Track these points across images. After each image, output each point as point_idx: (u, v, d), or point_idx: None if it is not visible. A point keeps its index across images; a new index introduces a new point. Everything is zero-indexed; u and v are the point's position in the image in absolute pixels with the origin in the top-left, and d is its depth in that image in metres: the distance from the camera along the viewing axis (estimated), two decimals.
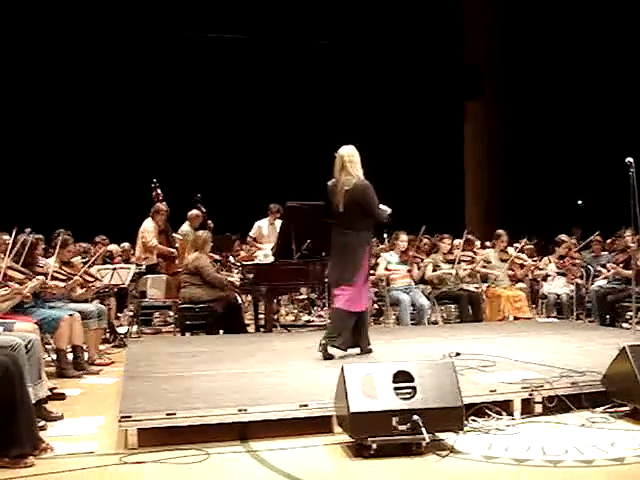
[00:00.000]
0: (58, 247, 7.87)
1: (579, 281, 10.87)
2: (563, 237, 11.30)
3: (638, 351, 5.10)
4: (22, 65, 15.35)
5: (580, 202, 19.66)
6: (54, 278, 7.21)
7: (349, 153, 6.77)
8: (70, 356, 7.32)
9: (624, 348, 5.15)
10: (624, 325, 9.74)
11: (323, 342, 6.76)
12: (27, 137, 15.76)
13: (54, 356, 7.35)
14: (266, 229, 11.86)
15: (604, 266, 10.60)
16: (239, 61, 17.11)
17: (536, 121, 18.15)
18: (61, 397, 6.07)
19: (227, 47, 16.99)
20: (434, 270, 10.35)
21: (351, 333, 6.87)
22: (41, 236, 7.67)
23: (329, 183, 6.89)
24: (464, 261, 10.48)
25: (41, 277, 6.53)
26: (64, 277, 7.44)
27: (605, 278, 10.50)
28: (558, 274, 10.95)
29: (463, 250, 10.66)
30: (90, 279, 8.13)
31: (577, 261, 11.14)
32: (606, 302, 10.01)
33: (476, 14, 18.30)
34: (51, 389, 5.87)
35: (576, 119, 17.68)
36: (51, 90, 15.83)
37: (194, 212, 10.97)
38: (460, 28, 18.67)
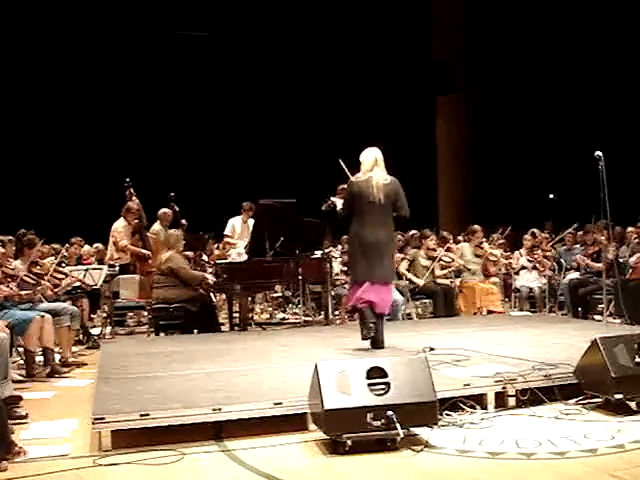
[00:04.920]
0: (25, 249, 7.79)
1: (549, 273, 10.97)
2: (531, 233, 11.40)
3: (609, 343, 5.16)
4: None
5: (551, 196, 19.80)
6: (24, 281, 7.15)
7: (379, 153, 7.07)
8: (41, 358, 7.26)
9: (595, 340, 5.20)
10: (596, 317, 9.85)
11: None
12: None
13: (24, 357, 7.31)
14: (239, 227, 11.85)
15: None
16: (210, 60, 17.03)
17: (507, 115, 18.25)
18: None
19: (198, 46, 16.89)
20: (411, 264, 10.42)
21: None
22: (11, 237, 7.61)
23: (354, 180, 7.06)
24: (444, 261, 10.54)
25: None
26: (34, 282, 7.36)
27: (577, 271, 10.60)
28: (530, 267, 11.04)
29: (439, 246, 10.74)
30: (60, 276, 8.06)
31: (548, 253, 11.24)
32: (578, 295, 10.13)
33: (445, 9, 18.37)
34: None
35: (546, 114, 17.80)
36: (22, 89, 15.66)
37: (164, 210, 10.91)
38: (429, 23, 18.72)
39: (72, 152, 16.22)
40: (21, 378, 6.64)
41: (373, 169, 6.96)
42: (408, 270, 10.39)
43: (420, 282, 10.27)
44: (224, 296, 10.85)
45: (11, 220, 10.15)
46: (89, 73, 16.22)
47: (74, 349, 8.27)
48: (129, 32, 16.01)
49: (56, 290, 7.89)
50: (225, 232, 12.06)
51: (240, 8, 16.70)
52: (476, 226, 11.07)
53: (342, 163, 7.51)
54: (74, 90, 16.17)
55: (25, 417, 5.31)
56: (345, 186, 7.48)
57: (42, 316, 7.07)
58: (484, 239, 11.26)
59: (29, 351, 7.09)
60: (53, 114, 16.17)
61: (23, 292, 7.07)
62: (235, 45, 16.98)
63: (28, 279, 7.27)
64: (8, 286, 6.74)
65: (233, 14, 16.70)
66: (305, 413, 4.83)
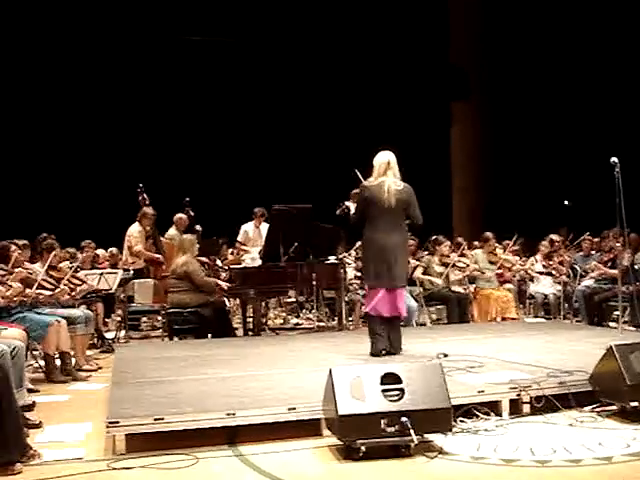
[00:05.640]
0: (44, 252, 7.83)
1: (565, 279, 10.94)
2: (549, 240, 11.37)
3: (624, 350, 5.13)
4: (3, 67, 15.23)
5: (567, 202, 19.71)
6: (41, 286, 7.18)
7: (392, 157, 7.02)
8: (57, 362, 7.29)
9: (611, 347, 5.17)
10: (611, 324, 9.80)
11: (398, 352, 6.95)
12: (11, 141, 15.63)
13: (42, 362, 7.34)
14: (252, 233, 11.90)
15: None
16: (224, 65, 17.05)
17: (522, 121, 18.19)
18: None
19: (212, 51, 16.93)
20: (425, 271, 10.42)
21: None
22: (26, 242, 7.64)
23: (366, 184, 7.03)
24: (458, 267, 10.53)
25: (18, 285, 6.51)
26: (51, 286, 7.39)
27: (592, 278, 10.55)
28: (545, 274, 11.01)
29: (453, 252, 10.73)
30: (77, 282, 8.09)
31: (566, 258, 11.20)
32: (593, 302, 10.07)
33: (461, 15, 18.36)
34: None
35: (562, 119, 17.74)
36: (36, 93, 15.72)
37: (179, 215, 10.95)
38: (445, 29, 18.71)
39: (85, 157, 16.26)
40: (32, 387, 6.66)
41: (386, 173, 6.92)
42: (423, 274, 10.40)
43: (438, 281, 10.25)
44: (238, 301, 10.89)
45: (25, 224, 10.22)
46: (103, 78, 16.27)
47: (88, 353, 8.30)
48: (143, 38, 16.08)
49: (72, 294, 7.91)
50: (238, 239, 12.13)
51: (255, 13, 16.74)
52: (488, 233, 11.08)
53: (358, 173, 7.49)
54: (88, 95, 16.22)
55: (39, 425, 5.32)
56: (358, 191, 7.47)
57: (58, 321, 7.11)
58: (497, 245, 11.25)
59: (49, 356, 7.12)
60: (67, 119, 16.22)
61: (41, 296, 7.10)
62: (250, 51, 17.01)
63: (46, 284, 7.30)
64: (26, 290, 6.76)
65: (248, 19, 16.74)
66: (319, 419, 4.83)
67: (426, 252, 11.19)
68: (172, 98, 16.85)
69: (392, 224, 6.90)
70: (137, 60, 16.44)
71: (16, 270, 6.54)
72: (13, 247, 7.07)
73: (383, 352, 6.90)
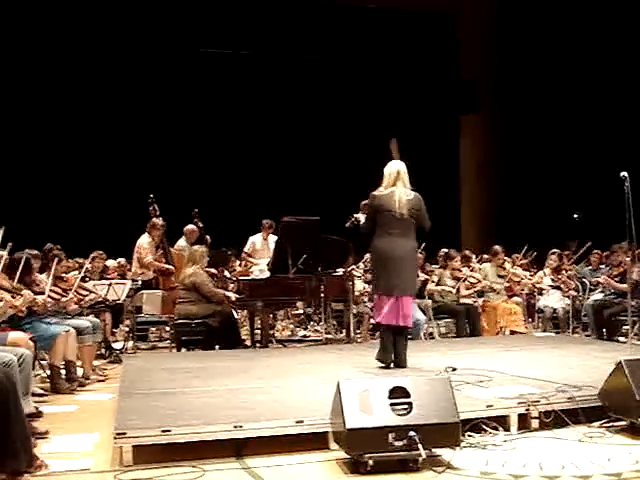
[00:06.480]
0: (51, 263, 7.84)
1: (574, 293, 10.91)
2: (558, 255, 11.35)
3: (634, 365, 5.10)
4: (13, 76, 15.30)
5: (576, 215, 19.66)
6: (49, 296, 7.19)
7: (403, 167, 7.09)
8: (63, 372, 7.30)
9: (620, 362, 5.14)
10: (620, 339, 9.75)
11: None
12: (20, 151, 15.67)
13: (49, 372, 7.34)
14: (259, 244, 11.93)
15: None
16: (233, 77, 17.11)
17: (531, 135, 18.19)
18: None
19: (222, 63, 17.00)
20: (437, 284, 10.45)
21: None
22: (37, 252, 7.66)
23: (377, 193, 7.06)
24: (471, 282, 10.55)
25: (32, 293, 6.51)
26: (59, 296, 7.40)
27: (601, 292, 10.51)
28: (553, 287, 10.98)
29: (465, 266, 10.75)
30: (84, 292, 8.11)
31: (570, 272, 11.18)
32: (602, 316, 10.01)
33: (471, 29, 18.40)
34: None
35: (571, 133, 17.72)
36: (46, 103, 15.78)
37: (190, 227, 10.98)
38: (455, 43, 18.75)
39: (95, 168, 16.30)
40: (42, 391, 6.67)
41: (396, 183, 6.98)
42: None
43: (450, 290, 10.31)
44: (246, 312, 10.89)
45: (35, 234, 10.23)
46: (113, 89, 16.33)
47: (96, 363, 8.31)
48: (155, 51, 16.16)
49: (80, 303, 7.92)
50: (244, 249, 12.15)
51: (262, 26, 16.79)
52: (497, 247, 11.13)
53: (394, 145, 7.51)
54: (98, 106, 16.28)
55: (45, 434, 5.31)
56: (367, 201, 7.49)
57: (67, 331, 7.12)
58: (506, 258, 11.25)
59: (55, 366, 7.12)
60: (78, 129, 16.28)
61: (49, 304, 7.11)
62: (261, 63, 17.07)
63: (54, 294, 7.31)
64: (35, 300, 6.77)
65: (256, 32, 16.79)
66: (327, 432, 4.80)
67: (435, 266, 11.19)
68: (182, 109, 16.91)
69: (402, 233, 6.93)
70: (148, 72, 16.51)
71: (23, 292, 6.53)
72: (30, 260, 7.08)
73: (390, 363, 6.90)
